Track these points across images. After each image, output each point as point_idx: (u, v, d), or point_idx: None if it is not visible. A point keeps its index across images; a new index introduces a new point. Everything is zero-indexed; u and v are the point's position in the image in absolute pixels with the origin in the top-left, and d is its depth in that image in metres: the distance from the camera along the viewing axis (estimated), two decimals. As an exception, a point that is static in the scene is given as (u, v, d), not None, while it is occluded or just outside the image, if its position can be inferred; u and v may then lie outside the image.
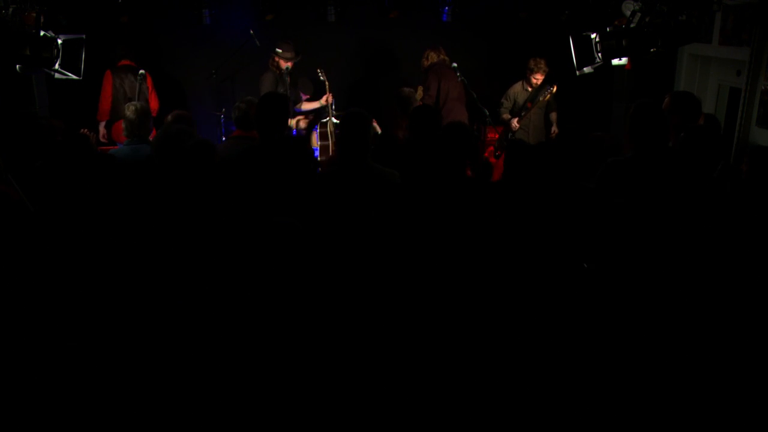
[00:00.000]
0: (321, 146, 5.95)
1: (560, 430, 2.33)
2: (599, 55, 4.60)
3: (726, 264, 2.50)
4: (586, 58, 4.74)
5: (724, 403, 2.26)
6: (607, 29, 4.58)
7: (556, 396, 2.37)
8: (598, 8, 5.47)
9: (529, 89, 5.98)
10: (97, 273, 2.69)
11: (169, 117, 4.12)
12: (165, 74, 6.61)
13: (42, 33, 4.10)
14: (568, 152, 2.99)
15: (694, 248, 2.60)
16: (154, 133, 4.33)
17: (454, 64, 5.66)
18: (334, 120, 6.05)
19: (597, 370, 2.41)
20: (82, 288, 2.64)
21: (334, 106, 6.32)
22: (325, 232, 2.85)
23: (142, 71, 5.37)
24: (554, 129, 6.14)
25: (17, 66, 4.14)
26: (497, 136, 6.04)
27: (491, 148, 6.25)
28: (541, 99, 5.86)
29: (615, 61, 4.75)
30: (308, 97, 6.22)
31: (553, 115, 6.13)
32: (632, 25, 4.45)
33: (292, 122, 6.02)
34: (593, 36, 4.62)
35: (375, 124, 4.67)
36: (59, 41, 4.21)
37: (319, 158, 5.71)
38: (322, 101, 5.96)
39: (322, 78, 5.89)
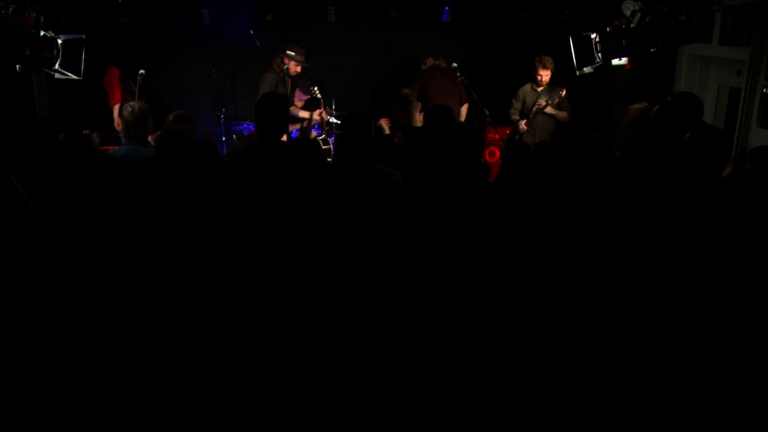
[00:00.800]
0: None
1: (562, 430, 2.34)
2: (599, 55, 4.61)
3: (734, 265, 2.50)
4: (586, 58, 4.75)
5: (731, 404, 2.26)
6: (607, 29, 4.58)
7: (562, 396, 2.37)
8: (598, 8, 5.48)
9: (538, 90, 5.93)
10: (98, 272, 2.69)
11: (171, 117, 4.12)
12: (165, 74, 6.61)
13: (42, 33, 4.11)
14: (568, 152, 2.98)
15: (709, 249, 2.60)
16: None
17: (454, 64, 5.67)
18: (334, 120, 6.06)
19: (603, 371, 2.41)
20: (84, 287, 2.64)
21: (334, 106, 6.33)
22: (325, 232, 2.84)
23: (142, 71, 5.37)
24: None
25: (17, 66, 4.14)
26: (497, 136, 6.03)
27: (492, 147, 6.25)
28: (549, 102, 5.81)
29: (615, 61, 4.75)
30: (304, 101, 6.21)
31: (562, 114, 5.92)
32: (632, 25, 4.46)
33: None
34: (593, 36, 4.62)
35: (384, 124, 4.67)
36: (59, 41, 4.22)
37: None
38: (315, 115, 5.95)
39: (318, 96, 5.89)
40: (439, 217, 2.88)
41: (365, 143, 3.31)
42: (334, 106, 6.33)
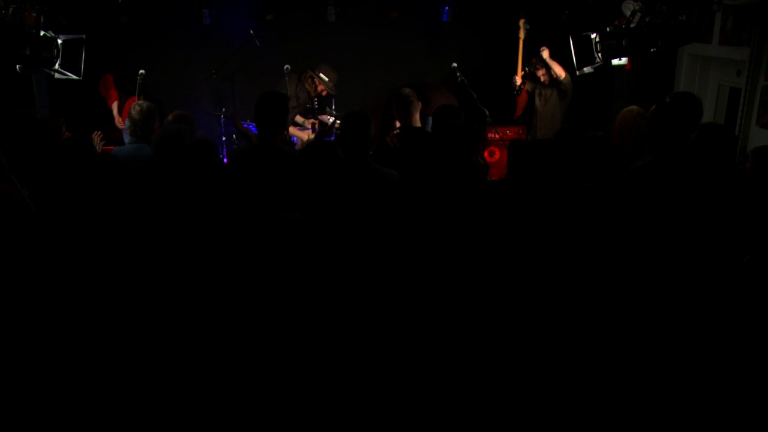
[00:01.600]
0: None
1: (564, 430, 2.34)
2: (599, 55, 4.61)
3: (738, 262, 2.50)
4: (586, 58, 4.75)
5: (737, 404, 2.26)
6: (607, 29, 4.58)
7: (560, 396, 2.37)
8: (598, 8, 5.47)
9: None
10: (98, 272, 2.69)
11: (170, 117, 4.13)
12: (165, 74, 6.61)
13: (42, 33, 4.11)
14: (568, 152, 2.98)
15: (716, 247, 2.60)
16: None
17: (454, 64, 5.66)
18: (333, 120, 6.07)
19: (604, 370, 2.41)
20: (84, 287, 2.63)
21: (334, 106, 6.33)
22: (327, 231, 2.84)
23: (142, 71, 5.38)
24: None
25: (17, 66, 4.14)
26: (497, 136, 6.03)
27: (491, 147, 6.25)
28: (532, 68, 5.92)
29: (615, 61, 4.76)
30: (306, 124, 6.24)
31: (557, 68, 5.86)
32: (632, 25, 4.46)
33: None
34: (593, 36, 4.63)
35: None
36: (59, 41, 4.22)
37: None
38: (303, 135, 5.97)
39: (330, 123, 5.89)
40: (437, 216, 2.88)
41: (365, 143, 3.31)
42: (334, 107, 6.33)
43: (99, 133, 4.60)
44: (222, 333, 2.44)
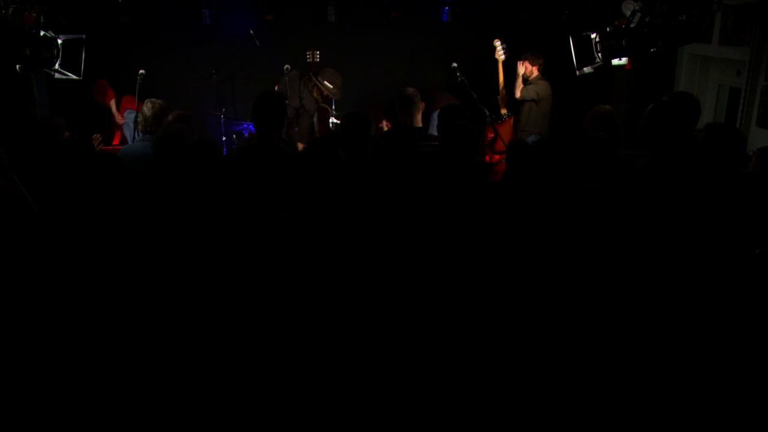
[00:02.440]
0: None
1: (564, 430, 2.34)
2: (599, 55, 4.61)
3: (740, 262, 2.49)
4: (586, 58, 4.75)
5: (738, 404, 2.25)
6: (607, 29, 4.58)
7: (563, 396, 2.37)
8: (598, 8, 5.47)
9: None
10: (99, 271, 2.69)
11: (170, 117, 4.14)
12: (165, 74, 6.61)
13: (42, 33, 4.11)
14: (569, 152, 2.98)
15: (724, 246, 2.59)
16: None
17: (454, 64, 5.66)
18: (336, 121, 6.06)
19: (613, 372, 2.40)
20: (85, 285, 2.64)
21: (334, 107, 6.33)
22: (327, 231, 2.84)
23: (142, 71, 5.38)
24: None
25: (17, 66, 4.14)
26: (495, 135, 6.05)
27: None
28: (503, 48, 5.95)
29: (615, 61, 4.76)
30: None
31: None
32: (632, 25, 4.46)
33: None
34: (593, 36, 4.63)
35: (385, 126, 4.69)
36: (59, 41, 4.22)
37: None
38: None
39: (309, 60, 5.84)
40: (439, 216, 2.88)
41: (365, 143, 3.32)
42: (333, 107, 6.33)
43: (98, 136, 4.62)
44: (222, 332, 2.44)
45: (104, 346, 2.48)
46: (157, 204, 3.08)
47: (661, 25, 4.39)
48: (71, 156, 3.41)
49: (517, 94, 5.97)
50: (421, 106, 4.25)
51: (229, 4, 6.38)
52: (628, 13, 4.53)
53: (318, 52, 5.76)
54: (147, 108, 4.08)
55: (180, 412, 2.31)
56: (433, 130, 4.91)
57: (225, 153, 6.06)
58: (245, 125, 6.24)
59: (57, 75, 4.35)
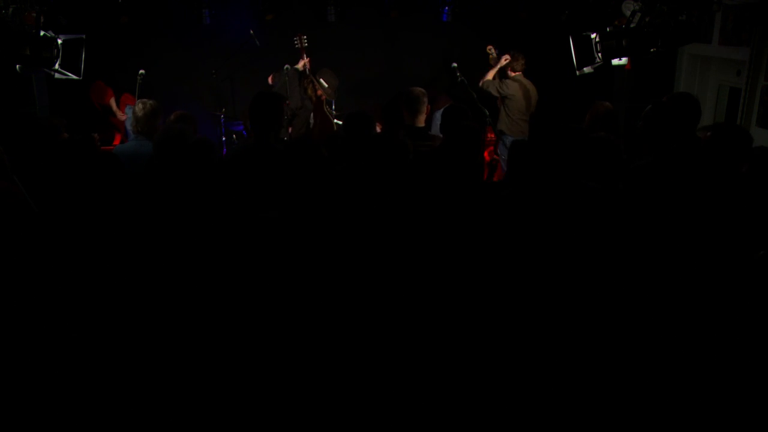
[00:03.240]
0: None
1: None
2: (599, 55, 4.61)
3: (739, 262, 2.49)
4: (586, 58, 4.75)
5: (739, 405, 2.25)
6: (607, 29, 4.58)
7: (565, 397, 2.37)
8: (598, 8, 5.47)
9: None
10: (100, 270, 2.69)
11: (172, 117, 4.14)
12: (165, 74, 6.61)
13: (42, 33, 4.11)
14: (570, 152, 2.97)
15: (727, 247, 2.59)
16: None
17: (454, 64, 5.67)
18: (336, 121, 6.06)
19: (617, 373, 2.40)
20: (85, 286, 2.64)
21: (333, 107, 6.32)
22: (326, 230, 2.84)
23: (142, 71, 5.39)
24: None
25: (17, 66, 4.14)
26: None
27: (491, 147, 6.26)
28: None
29: (615, 61, 4.75)
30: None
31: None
32: (632, 25, 4.46)
33: None
34: (593, 36, 4.63)
35: (378, 129, 4.67)
36: (59, 41, 4.22)
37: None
38: (299, 65, 5.86)
39: (297, 45, 5.75)
40: (441, 216, 2.88)
41: (367, 143, 3.31)
42: (333, 107, 6.33)
43: (96, 136, 4.61)
44: (221, 330, 2.45)
45: (104, 344, 2.48)
46: (157, 204, 3.08)
47: (661, 25, 4.39)
48: (71, 156, 3.40)
49: (480, 82, 6.01)
50: (426, 107, 4.23)
51: (229, 4, 6.38)
52: (628, 13, 4.53)
53: (305, 37, 5.72)
54: (138, 109, 4.03)
55: (177, 408, 2.32)
56: (435, 130, 4.91)
57: (225, 153, 6.07)
58: (242, 126, 6.24)
59: (57, 75, 4.35)
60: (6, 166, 3.21)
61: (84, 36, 4.38)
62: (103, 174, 2.98)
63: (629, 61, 5.36)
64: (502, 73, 6.04)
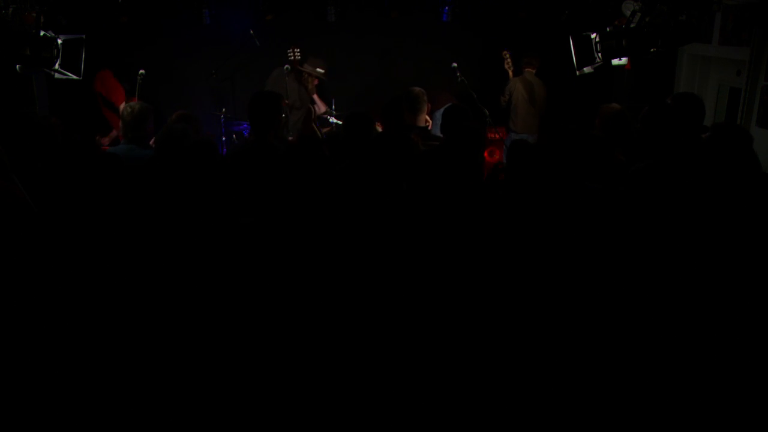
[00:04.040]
0: None
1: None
2: (599, 55, 4.62)
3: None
4: (586, 58, 4.75)
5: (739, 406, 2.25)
6: (607, 29, 4.59)
7: (565, 397, 2.37)
8: (598, 8, 5.48)
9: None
10: (100, 270, 2.69)
11: (173, 117, 4.12)
12: (165, 74, 6.61)
13: (42, 33, 4.11)
14: (572, 153, 2.97)
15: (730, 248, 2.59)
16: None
17: (454, 64, 5.66)
18: (336, 121, 6.06)
19: (616, 375, 2.40)
20: (85, 286, 2.64)
21: (334, 107, 6.32)
22: (325, 230, 2.84)
23: (142, 71, 5.38)
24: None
25: (17, 66, 4.14)
26: (497, 136, 6.05)
27: (491, 147, 6.25)
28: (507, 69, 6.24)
29: (615, 61, 4.76)
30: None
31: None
32: (632, 25, 4.46)
33: None
34: (593, 36, 4.63)
35: (378, 128, 4.67)
36: (59, 41, 4.22)
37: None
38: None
39: (291, 57, 5.77)
40: (442, 216, 2.88)
41: (367, 144, 3.32)
42: (333, 107, 6.33)
43: (98, 137, 4.61)
44: (223, 330, 2.45)
45: (104, 344, 2.48)
46: (158, 204, 3.08)
47: (661, 25, 4.40)
48: (72, 156, 3.40)
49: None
50: (426, 107, 4.24)
51: (229, 4, 6.38)
52: (628, 13, 4.54)
53: (298, 50, 5.74)
54: (126, 113, 3.79)
55: (175, 408, 2.32)
56: (436, 130, 4.91)
57: (225, 153, 6.07)
58: (245, 125, 6.24)
59: (57, 75, 4.35)
60: (6, 166, 3.21)
61: (84, 36, 4.38)
62: (103, 174, 2.98)
63: (629, 61, 5.37)
64: (517, 72, 6.24)
